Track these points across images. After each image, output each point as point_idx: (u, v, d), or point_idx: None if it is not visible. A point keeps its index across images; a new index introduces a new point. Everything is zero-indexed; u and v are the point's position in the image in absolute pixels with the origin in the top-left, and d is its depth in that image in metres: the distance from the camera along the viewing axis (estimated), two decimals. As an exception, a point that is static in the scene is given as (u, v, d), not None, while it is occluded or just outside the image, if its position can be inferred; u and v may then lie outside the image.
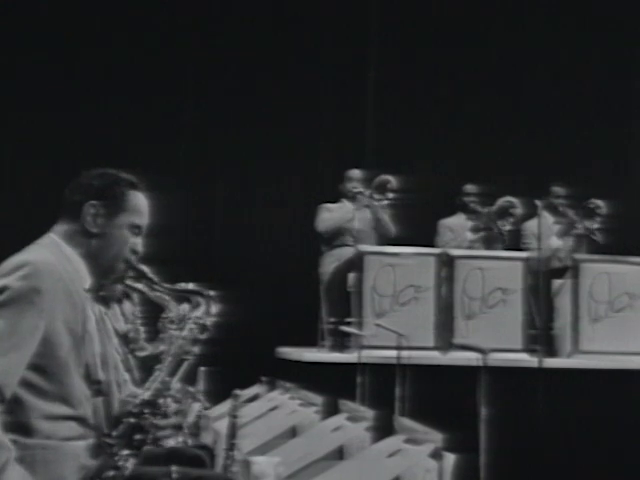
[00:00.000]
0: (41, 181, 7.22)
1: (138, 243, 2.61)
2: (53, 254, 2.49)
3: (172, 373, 2.57)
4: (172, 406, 2.55)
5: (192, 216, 7.93)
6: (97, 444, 2.47)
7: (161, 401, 2.53)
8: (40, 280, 2.37)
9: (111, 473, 2.43)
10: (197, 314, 2.61)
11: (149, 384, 2.56)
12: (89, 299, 2.56)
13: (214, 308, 2.63)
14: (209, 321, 2.62)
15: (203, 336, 2.60)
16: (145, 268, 2.63)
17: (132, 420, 2.49)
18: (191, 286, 2.65)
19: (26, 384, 2.37)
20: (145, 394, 2.54)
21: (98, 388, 2.51)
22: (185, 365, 2.59)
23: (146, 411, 2.50)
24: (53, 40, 7.71)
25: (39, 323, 2.36)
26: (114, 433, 2.48)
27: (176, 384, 2.57)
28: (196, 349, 2.60)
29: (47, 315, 2.37)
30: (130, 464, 2.45)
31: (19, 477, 2.30)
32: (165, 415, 2.52)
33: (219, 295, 2.67)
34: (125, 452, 2.46)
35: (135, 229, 2.60)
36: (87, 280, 2.54)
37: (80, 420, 2.46)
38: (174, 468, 2.64)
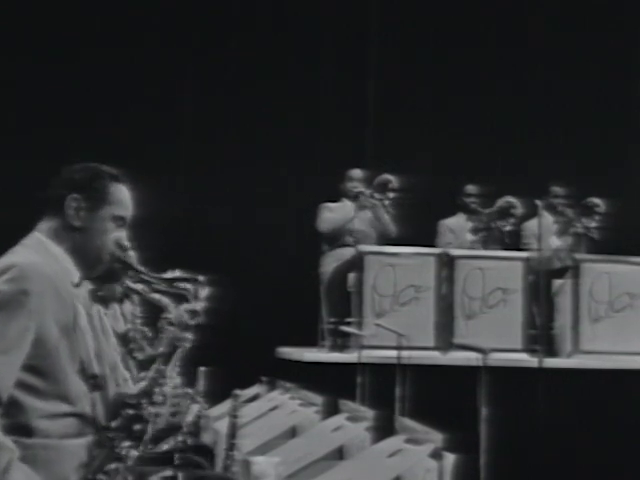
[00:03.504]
0: (42, 181, 7.21)
1: (123, 236, 2.61)
2: (39, 253, 2.49)
3: (166, 361, 2.56)
4: (169, 394, 2.54)
5: (191, 216, 7.93)
6: (97, 439, 2.47)
7: (157, 390, 2.52)
8: (27, 282, 2.37)
9: (114, 466, 2.43)
10: (188, 302, 2.59)
11: (144, 374, 2.56)
12: (77, 294, 2.55)
13: (203, 292, 2.61)
14: (199, 306, 2.60)
15: (194, 322, 2.58)
16: (132, 259, 2.62)
17: (130, 411, 2.49)
18: (178, 273, 2.62)
19: (23, 386, 2.37)
20: (141, 384, 2.54)
21: (94, 382, 2.51)
22: (179, 352, 2.57)
23: (143, 401, 2.50)
24: (53, 40, 7.71)
25: (29, 324, 2.36)
26: (113, 425, 2.48)
27: (174, 375, 2.56)
28: (189, 335, 2.58)
29: (37, 316, 2.38)
30: (132, 454, 2.44)
31: (24, 476, 2.30)
32: (163, 403, 2.52)
33: (208, 279, 2.64)
34: (126, 443, 2.46)
35: (119, 221, 2.59)
36: (75, 275, 2.54)
37: (79, 416, 2.46)
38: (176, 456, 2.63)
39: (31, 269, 2.41)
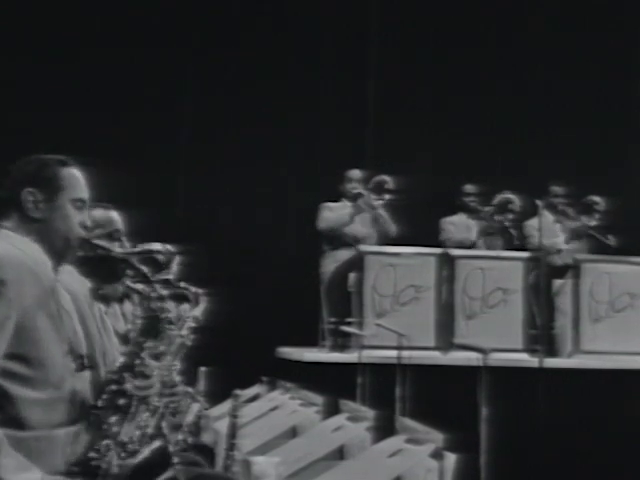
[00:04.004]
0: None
1: (85, 218, 2.62)
2: (10, 244, 2.50)
3: (145, 333, 2.57)
4: (152, 365, 2.54)
5: (191, 215, 7.93)
6: (86, 421, 2.47)
7: (138, 362, 2.53)
8: (2, 271, 2.38)
9: (104, 442, 2.43)
10: (162, 272, 2.60)
11: (124, 349, 2.57)
12: (58, 279, 2.56)
13: (176, 262, 2.62)
14: (172, 276, 2.60)
15: (167, 292, 2.59)
16: (103, 242, 2.64)
17: (114, 387, 2.50)
18: (155, 246, 2.63)
19: (10, 375, 2.37)
20: (121, 359, 2.55)
21: (81, 362, 2.52)
22: (159, 326, 2.57)
23: (125, 375, 2.51)
24: (53, 40, 7.71)
25: (9, 313, 2.36)
26: (99, 404, 2.48)
27: (151, 344, 2.56)
28: (164, 305, 2.58)
29: (17, 304, 2.38)
30: (119, 429, 2.44)
31: (14, 462, 2.30)
32: (144, 375, 2.52)
33: (182, 251, 2.65)
34: (113, 418, 2.46)
35: (77, 203, 2.60)
36: (48, 263, 2.55)
37: (68, 401, 2.46)
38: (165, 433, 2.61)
39: (4, 258, 2.41)
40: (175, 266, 2.61)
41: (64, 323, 2.51)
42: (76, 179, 2.62)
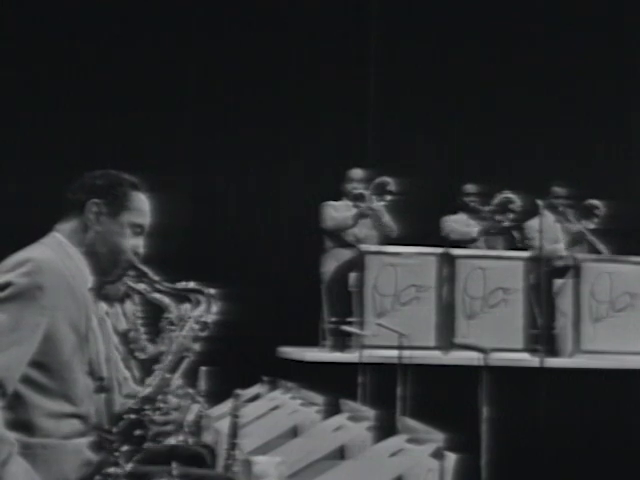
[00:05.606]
0: (42, 181, 7.21)
1: (140, 244, 2.64)
2: (56, 252, 2.51)
3: (173, 370, 2.58)
4: (173, 402, 2.56)
5: (192, 216, 7.92)
6: (98, 441, 2.48)
7: (161, 397, 2.53)
8: (42, 277, 2.40)
9: (111, 469, 2.43)
10: (198, 312, 2.62)
11: (150, 380, 2.57)
12: (92, 298, 2.57)
13: (215, 306, 2.64)
14: (210, 319, 2.63)
15: (204, 334, 2.61)
16: (146, 268, 2.64)
17: (132, 416, 2.50)
18: (192, 284, 2.67)
19: (29, 381, 2.38)
20: (145, 390, 2.56)
21: (101, 385, 2.53)
22: (186, 362, 2.59)
23: (146, 407, 2.51)
24: (53, 40, 7.70)
25: (41, 320, 2.38)
26: (114, 429, 2.49)
27: (177, 381, 2.58)
28: (197, 346, 2.61)
29: (49, 312, 2.39)
30: (130, 460, 2.45)
31: (22, 471, 2.31)
32: (165, 412, 2.53)
33: (220, 293, 2.67)
34: (125, 448, 2.46)
35: (137, 228, 2.62)
36: (89, 279, 2.55)
37: (82, 418, 2.47)
38: (174, 465, 2.64)
39: (47, 265, 2.43)
40: (214, 308, 2.64)
41: (89, 343, 2.52)
42: (143, 204, 2.65)
